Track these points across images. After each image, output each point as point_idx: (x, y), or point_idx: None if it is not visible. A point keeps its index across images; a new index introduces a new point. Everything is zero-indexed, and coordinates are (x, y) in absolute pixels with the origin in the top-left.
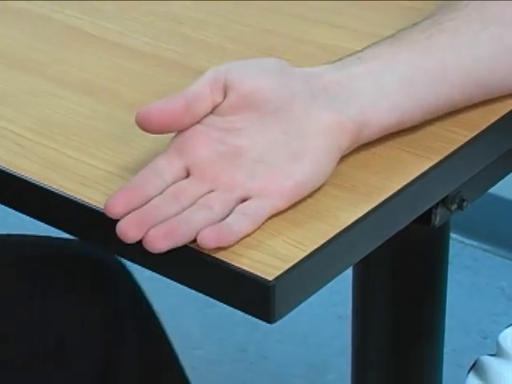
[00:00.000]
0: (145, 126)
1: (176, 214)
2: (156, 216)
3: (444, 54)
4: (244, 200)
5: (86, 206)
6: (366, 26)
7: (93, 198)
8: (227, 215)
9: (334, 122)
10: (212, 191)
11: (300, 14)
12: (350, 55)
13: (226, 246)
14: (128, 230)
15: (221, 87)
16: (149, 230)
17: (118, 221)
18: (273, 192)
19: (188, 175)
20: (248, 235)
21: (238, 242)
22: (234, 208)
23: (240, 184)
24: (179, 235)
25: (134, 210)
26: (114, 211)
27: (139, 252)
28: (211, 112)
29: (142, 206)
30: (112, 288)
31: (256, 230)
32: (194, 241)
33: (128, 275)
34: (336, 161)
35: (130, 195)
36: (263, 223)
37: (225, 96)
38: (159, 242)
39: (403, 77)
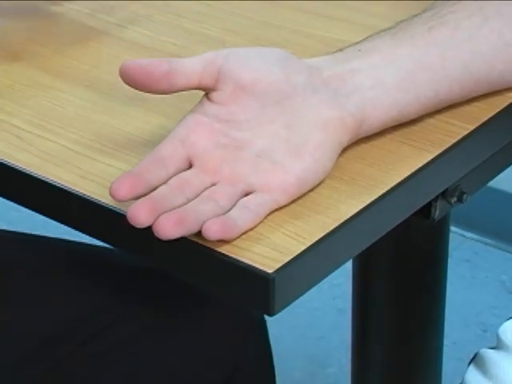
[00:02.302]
0: (123, 77)
1: (181, 205)
2: (165, 204)
3: (444, 49)
4: (246, 193)
5: (86, 199)
6: (366, 19)
7: (92, 190)
8: (231, 208)
9: (335, 118)
10: (215, 184)
11: (300, 7)
12: (350, 46)
13: (227, 240)
14: (140, 214)
15: (214, 71)
16: (158, 216)
17: (117, 214)
18: (275, 188)
19: (190, 166)
20: (250, 228)
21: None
22: (237, 201)
23: (243, 178)
24: (189, 224)
25: (137, 197)
26: (118, 194)
27: (139, 244)
28: (212, 101)
29: (146, 194)
30: (244, 343)
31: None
32: (194, 233)
33: (264, 336)
34: (336, 156)
35: (134, 181)
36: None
37: (217, 83)
38: (170, 229)
39: (403, 72)
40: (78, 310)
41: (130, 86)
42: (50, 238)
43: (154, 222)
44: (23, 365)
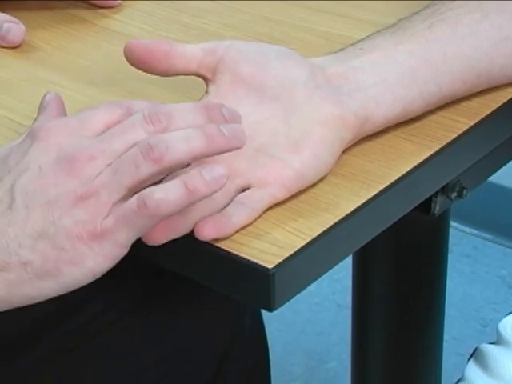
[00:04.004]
0: (127, 55)
1: None
2: None
3: (445, 45)
4: (244, 188)
5: None
6: (366, 14)
7: None
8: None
9: (337, 117)
10: None
11: (300, 2)
12: (351, 45)
13: (222, 237)
14: None
15: (213, 60)
16: None
17: None
18: (273, 182)
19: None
20: (248, 224)
21: (237, 230)
22: (233, 196)
23: (240, 173)
24: (178, 228)
25: None
26: None
27: (139, 240)
28: (211, 94)
29: None
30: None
31: (256, 218)
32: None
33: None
34: (338, 154)
35: None
36: (263, 212)
37: (216, 73)
38: (156, 236)
39: (405, 69)
40: (77, 298)
41: (132, 64)
42: None
43: None
44: (24, 345)
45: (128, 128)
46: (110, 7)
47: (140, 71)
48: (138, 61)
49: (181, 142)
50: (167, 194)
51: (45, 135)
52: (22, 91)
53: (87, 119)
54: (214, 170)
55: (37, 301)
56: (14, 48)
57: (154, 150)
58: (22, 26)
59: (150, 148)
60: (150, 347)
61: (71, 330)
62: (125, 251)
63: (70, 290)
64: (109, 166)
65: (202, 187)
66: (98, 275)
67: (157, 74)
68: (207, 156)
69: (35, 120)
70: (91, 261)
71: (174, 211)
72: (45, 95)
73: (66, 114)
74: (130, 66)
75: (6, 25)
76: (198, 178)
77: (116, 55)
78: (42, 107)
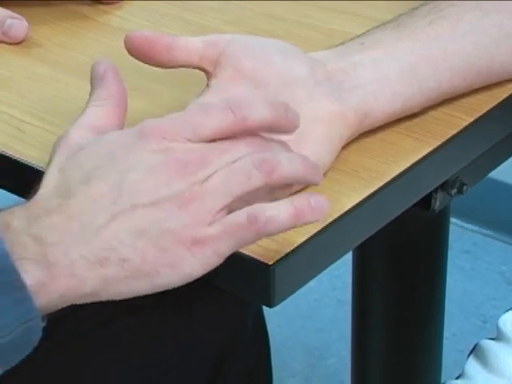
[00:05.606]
0: (127, 46)
1: None
2: None
3: (445, 41)
4: None
5: None
6: (367, 11)
7: None
8: None
9: (336, 113)
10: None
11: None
12: (352, 40)
13: None
14: None
15: (215, 53)
16: None
17: None
18: None
19: None
20: None
21: None
22: None
23: None
24: None
25: None
26: None
27: None
28: (212, 88)
29: None
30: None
31: None
32: None
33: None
34: (337, 151)
35: None
36: None
37: (217, 66)
38: None
39: (406, 65)
40: None
41: (132, 55)
42: None
43: None
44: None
45: (235, 154)
46: (110, 4)
47: (140, 68)
48: (137, 52)
49: (288, 160)
50: (279, 212)
51: (155, 135)
52: (22, 88)
53: (199, 126)
54: (320, 199)
55: (125, 297)
56: (14, 44)
57: (268, 163)
58: (25, 22)
59: (262, 160)
60: (152, 344)
61: (74, 326)
62: (221, 261)
63: (162, 290)
64: (219, 172)
65: (308, 212)
66: (193, 279)
67: (157, 66)
68: (299, 182)
69: (92, 93)
70: (189, 266)
71: (279, 231)
72: (97, 63)
73: (124, 86)
74: (130, 62)
75: (8, 21)
76: (307, 203)
77: (116, 51)
78: (97, 77)
